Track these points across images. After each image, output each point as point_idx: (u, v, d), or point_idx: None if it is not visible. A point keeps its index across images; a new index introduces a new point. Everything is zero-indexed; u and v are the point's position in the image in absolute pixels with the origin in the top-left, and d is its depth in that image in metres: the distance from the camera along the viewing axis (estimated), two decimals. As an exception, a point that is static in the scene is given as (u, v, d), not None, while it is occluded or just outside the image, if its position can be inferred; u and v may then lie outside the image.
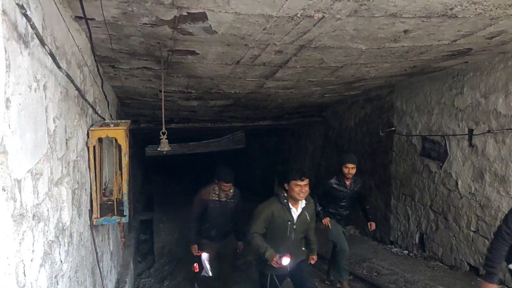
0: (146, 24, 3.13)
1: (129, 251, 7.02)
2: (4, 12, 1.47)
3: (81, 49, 3.23)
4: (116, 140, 3.68)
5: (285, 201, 4.09)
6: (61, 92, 2.50)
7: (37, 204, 1.92)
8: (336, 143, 9.38)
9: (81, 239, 3.10)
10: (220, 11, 2.92)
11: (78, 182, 3.01)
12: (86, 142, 3.38)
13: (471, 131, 5.38)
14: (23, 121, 1.69)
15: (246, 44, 3.80)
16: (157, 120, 9.05)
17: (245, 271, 6.65)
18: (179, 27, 3.22)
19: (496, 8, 3.07)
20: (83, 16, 2.72)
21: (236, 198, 5.32)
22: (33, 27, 1.67)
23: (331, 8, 2.91)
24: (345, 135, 8.97)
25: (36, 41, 1.86)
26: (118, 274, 5.67)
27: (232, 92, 6.41)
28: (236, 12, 2.95)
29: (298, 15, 3.04)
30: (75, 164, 2.93)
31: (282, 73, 5.11)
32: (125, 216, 3.67)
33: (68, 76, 2.39)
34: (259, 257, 4.08)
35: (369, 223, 5.71)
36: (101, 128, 3.56)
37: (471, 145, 5.40)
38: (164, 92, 4.78)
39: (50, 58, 2.04)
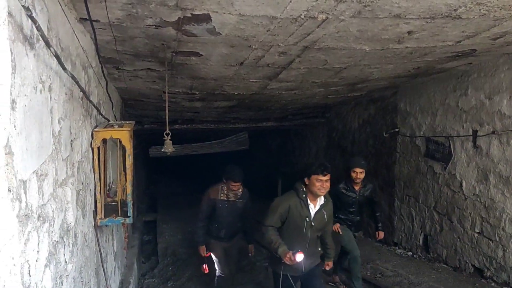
0: (150, 25, 3.14)
1: (133, 251, 7.03)
2: (10, 14, 1.48)
3: (86, 50, 3.24)
4: (120, 141, 3.70)
5: (304, 195, 3.91)
6: (66, 94, 2.51)
7: (42, 204, 1.93)
8: (339, 144, 9.37)
9: (86, 239, 3.11)
10: (224, 13, 2.93)
11: (82, 183, 3.03)
12: (91, 143, 3.39)
13: (475, 132, 5.36)
14: (28, 122, 1.70)
15: (250, 46, 3.81)
16: (161, 121, 9.08)
17: (249, 272, 6.64)
18: (183, 28, 3.23)
19: (500, 9, 3.07)
20: (88, 18, 2.74)
21: (245, 198, 5.21)
22: (38, 29, 1.68)
23: (335, 9, 2.91)
24: (349, 136, 8.96)
25: (42, 42, 1.87)
26: (122, 274, 5.68)
27: (236, 93, 6.42)
28: (240, 14, 2.95)
29: (302, 17, 3.04)
30: (79, 165, 2.94)
31: (285, 74, 5.11)
32: (129, 217, 3.68)
33: (73, 77, 2.40)
34: (273, 255, 3.94)
35: (377, 232, 5.61)
36: (105, 129, 3.57)
37: (475, 146, 5.38)
38: (168, 93, 4.79)
39: (55, 59, 2.05)
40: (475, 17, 3.22)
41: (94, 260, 3.48)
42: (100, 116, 3.92)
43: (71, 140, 2.67)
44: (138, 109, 7.79)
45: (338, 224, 5.25)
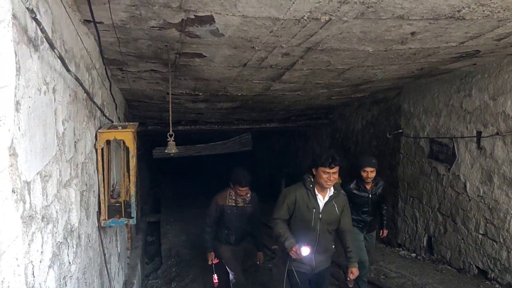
0: (154, 27, 3.15)
1: (136, 252, 7.05)
2: (14, 16, 1.49)
3: (90, 52, 3.25)
4: (124, 143, 3.70)
5: (311, 186, 3.79)
6: (70, 95, 2.52)
7: (46, 205, 1.94)
8: (343, 145, 9.35)
9: (89, 240, 3.12)
10: (227, 14, 2.94)
11: (86, 184, 3.04)
12: (94, 145, 3.40)
13: (479, 133, 5.34)
14: (32, 124, 1.71)
15: (253, 47, 3.81)
16: (165, 122, 9.09)
17: (253, 273, 6.64)
18: (186, 30, 3.24)
19: (504, 10, 3.06)
20: (91, 20, 2.75)
21: (254, 202, 5.08)
22: (42, 31, 1.69)
23: (338, 10, 2.91)
24: (352, 137, 8.95)
25: (46, 44, 1.88)
26: (125, 275, 5.69)
27: (239, 94, 6.42)
28: (243, 15, 2.96)
29: (305, 18, 3.04)
30: (83, 166, 2.95)
31: (289, 75, 5.12)
32: (133, 218, 3.69)
33: (77, 79, 2.41)
34: (279, 257, 3.83)
35: (381, 230, 5.53)
36: (109, 130, 3.58)
37: (479, 147, 5.36)
38: (172, 94, 4.80)
39: (59, 61, 2.06)
40: (479, 18, 3.21)
41: (98, 261, 3.49)
42: (104, 117, 3.94)
43: (75, 142, 2.68)
44: (141, 110, 7.82)
45: None
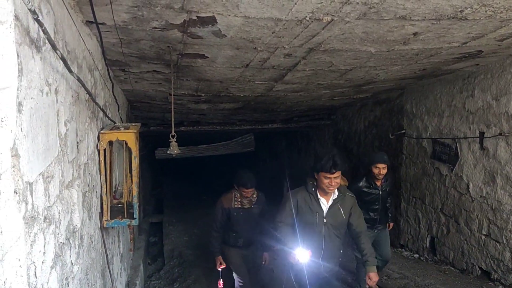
0: (156, 28, 3.16)
1: (139, 253, 7.06)
2: (16, 17, 1.49)
3: (92, 53, 3.26)
4: (126, 143, 3.71)
5: (313, 189, 3.69)
6: (72, 96, 2.53)
7: (48, 206, 1.95)
8: (345, 146, 9.35)
9: (92, 241, 3.12)
10: (229, 15, 2.94)
11: (88, 185, 3.04)
12: (97, 145, 3.41)
13: (482, 133, 5.33)
14: (34, 125, 1.72)
15: (255, 48, 3.81)
16: (167, 123, 9.12)
17: (255, 275, 6.63)
18: (188, 31, 3.24)
19: (507, 10, 3.05)
20: (94, 21, 2.75)
21: (261, 202, 4.98)
22: (45, 32, 1.69)
23: (340, 11, 2.91)
24: (355, 138, 8.94)
25: (48, 45, 1.89)
26: (128, 276, 5.70)
27: (241, 95, 6.43)
28: (245, 16, 2.96)
29: (307, 19, 3.04)
30: (85, 167, 2.95)
31: (291, 76, 5.11)
32: (135, 218, 3.69)
33: (79, 80, 2.42)
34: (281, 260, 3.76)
35: (387, 224, 5.46)
36: (111, 131, 3.59)
37: (482, 148, 5.35)
38: (174, 95, 4.80)
39: (61, 62, 2.06)
40: (481, 18, 3.20)
41: (100, 262, 3.50)
42: (106, 118, 3.94)
43: (77, 142, 2.69)
44: (144, 111, 7.83)
45: None
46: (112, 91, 4.35)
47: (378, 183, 5.04)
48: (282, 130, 11.42)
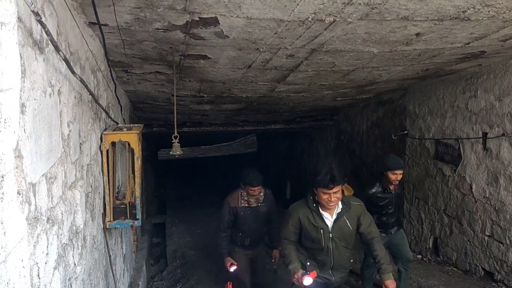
0: (158, 29, 3.16)
1: (142, 254, 7.07)
2: (19, 19, 1.50)
3: (95, 54, 3.27)
4: (129, 144, 3.72)
5: (314, 205, 3.50)
6: (75, 97, 2.53)
7: (51, 207, 1.95)
8: (348, 147, 9.34)
9: (95, 242, 3.13)
10: (231, 16, 2.94)
11: (91, 186, 3.05)
12: (100, 146, 3.42)
13: (485, 134, 5.32)
14: (38, 126, 1.72)
15: (258, 48, 3.82)
16: (170, 124, 9.12)
17: (259, 277, 6.63)
18: (191, 32, 3.25)
19: (510, 11, 3.04)
20: (96, 22, 2.76)
21: (268, 201, 4.90)
22: (48, 33, 1.70)
23: (342, 12, 2.91)
24: (357, 138, 8.93)
25: (51, 47, 1.90)
26: (131, 277, 5.71)
27: (244, 96, 6.43)
28: (247, 17, 2.96)
29: (309, 19, 3.04)
30: (88, 168, 2.96)
31: (293, 77, 5.11)
32: (138, 219, 3.70)
33: (82, 81, 2.43)
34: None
35: (400, 224, 5.34)
36: (114, 132, 3.60)
37: (485, 148, 5.33)
38: (176, 96, 4.81)
39: (64, 63, 2.07)
40: (484, 18, 3.19)
41: (103, 263, 3.50)
42: (109, 119, 3.95)
43: (80, 143, 2.70)
44: (147, 112, 7.84)
45: None
46: (115, 92, 4.36)
47: (392, 187, 4.88)
48: (285, 130, 11.42)
